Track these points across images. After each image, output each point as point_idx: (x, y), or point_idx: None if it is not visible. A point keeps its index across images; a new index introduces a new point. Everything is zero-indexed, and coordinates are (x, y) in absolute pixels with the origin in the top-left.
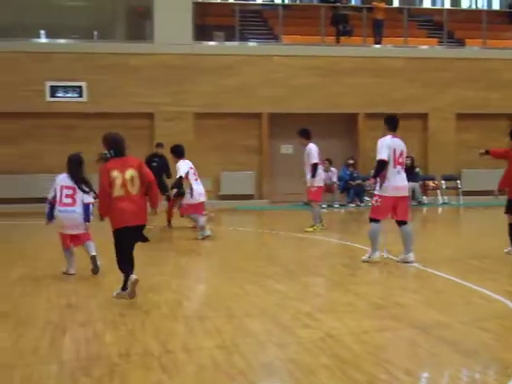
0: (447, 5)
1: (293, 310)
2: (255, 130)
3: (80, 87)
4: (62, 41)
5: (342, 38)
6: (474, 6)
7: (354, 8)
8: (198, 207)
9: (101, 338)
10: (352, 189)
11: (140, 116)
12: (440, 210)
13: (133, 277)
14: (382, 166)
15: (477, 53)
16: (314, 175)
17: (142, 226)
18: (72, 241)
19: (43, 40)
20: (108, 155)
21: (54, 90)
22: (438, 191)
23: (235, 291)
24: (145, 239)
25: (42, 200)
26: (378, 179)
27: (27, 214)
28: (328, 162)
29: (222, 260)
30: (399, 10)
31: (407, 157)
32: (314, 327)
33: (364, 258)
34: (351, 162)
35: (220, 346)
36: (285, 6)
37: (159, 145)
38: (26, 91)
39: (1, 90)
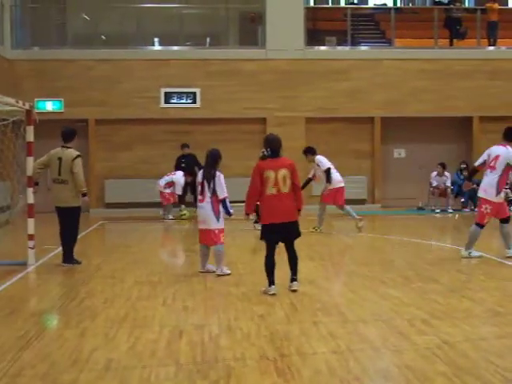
0: None
1: (408, 316)
2: (367, 135)
3: (194, 93)
4: (175, 48)
5: (455, 41)
6: None
7: (468, 10)
8: None
9: (216, 341)
10: (466, 193)
11: (252, 121)
12: None
13: (271, 289)
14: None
15: None
16: (328, 180)
17: (292, 223)
18: (203, 237)
19: (158, 47)
20: (266, 154)
21: (168, 97)
22: None
23: (349, 296)
24: (296, 235)
25: (156, 204)
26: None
27: (141, 218)
28: (441, 166)
29: (335, 265)
30: None
31: None
32: (430, 333)
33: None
34: (464, 166)
35: (335, 351)
36: (397, 9)
37: (184, 145)
38: (141, 98)
39: (117, 97)
